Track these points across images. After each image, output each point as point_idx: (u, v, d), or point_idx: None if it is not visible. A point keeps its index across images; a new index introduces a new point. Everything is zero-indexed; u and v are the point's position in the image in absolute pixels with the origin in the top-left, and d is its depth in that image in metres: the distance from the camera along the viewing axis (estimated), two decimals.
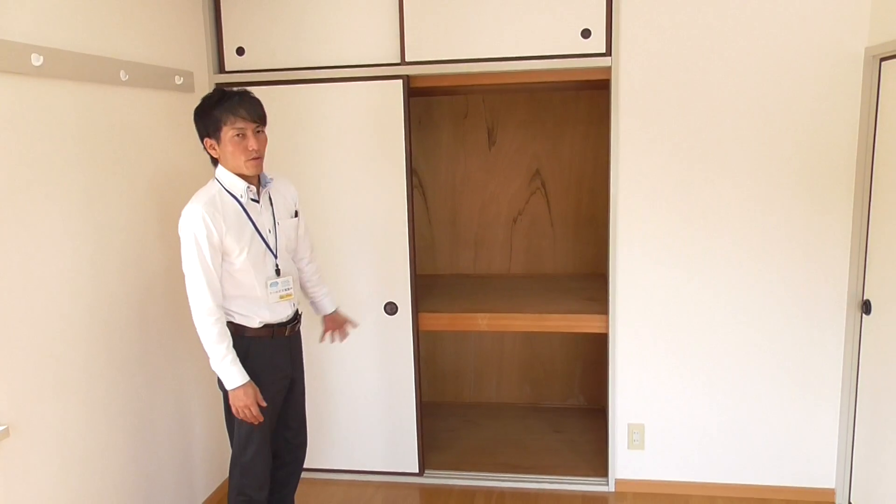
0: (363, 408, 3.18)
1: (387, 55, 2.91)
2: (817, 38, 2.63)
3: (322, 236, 3.04)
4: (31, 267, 2.02)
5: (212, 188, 2.19)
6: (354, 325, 2.76)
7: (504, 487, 3.16)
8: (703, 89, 2.73)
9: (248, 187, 2.21)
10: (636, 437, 3.02)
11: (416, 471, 3.21)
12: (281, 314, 2.31)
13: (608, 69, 2.79)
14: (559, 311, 3.07)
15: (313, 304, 2.67)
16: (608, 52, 2.77)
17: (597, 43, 2.78)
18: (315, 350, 3.11)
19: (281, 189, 2.39)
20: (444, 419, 3.86)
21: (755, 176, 2.75)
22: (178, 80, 2.74)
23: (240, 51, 3.00)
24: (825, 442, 2.88)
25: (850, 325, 2.76)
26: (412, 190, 3.01)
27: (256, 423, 2.18)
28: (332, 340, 2.71)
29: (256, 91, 2.94)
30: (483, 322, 3.07)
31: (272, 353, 2.30)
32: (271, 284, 2.27)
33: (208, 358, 2.14)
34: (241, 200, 2.21)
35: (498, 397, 4.08)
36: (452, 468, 3.30)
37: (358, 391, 3.17)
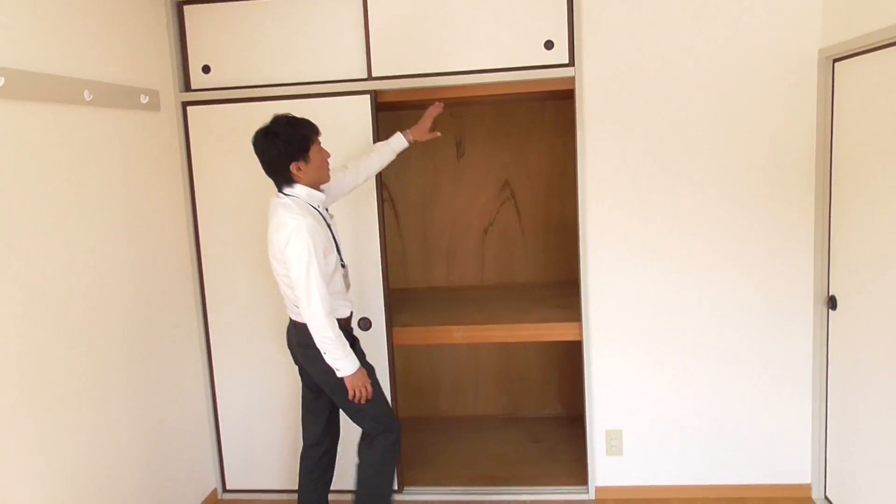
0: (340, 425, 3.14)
1: (354, 71, 2.92)
2: (772, 42, 2.71)
3: None
4: None
5: (296, 204, 2.38)
6: (434, 113, 2.85)
7: (484, 500, 3.14)
8: (665, 96, 2.78)
9: (324, 198, 2.50)
10: (614, 443, 3.03)
11: (395, 488, 3.18)
12: (347, 309, 2.60)
13: (572, 79, 2.83)
14: (533, 320, 3.08)
15: (394, 153, 2.81)
16: (571, 63, 2.82)
17: (560, 54, 2.82)
18: (289, 369, 3.08)
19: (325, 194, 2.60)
20: (421, 434, 3.84)
21: (719, 178, 2.81)
22: (144, 99, 2.71)
23: (206, 69, 2.99)
24: (799, 438, 2.92)
25: (817, 321, 2.81)
26: (383, 204, 3.01)
27: (367, 399, 2.48)
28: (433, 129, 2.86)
29: (223, 108, 2.97)
30: (457, 334, 3.07)
31: (352, 342, 2.58)
32: (343, 276, 2.56)
33: (325, 353, 2.38)
34: (320, 209, 2.47)
35: (475, 410, 4.07)
36: (432, 484, 3.27)
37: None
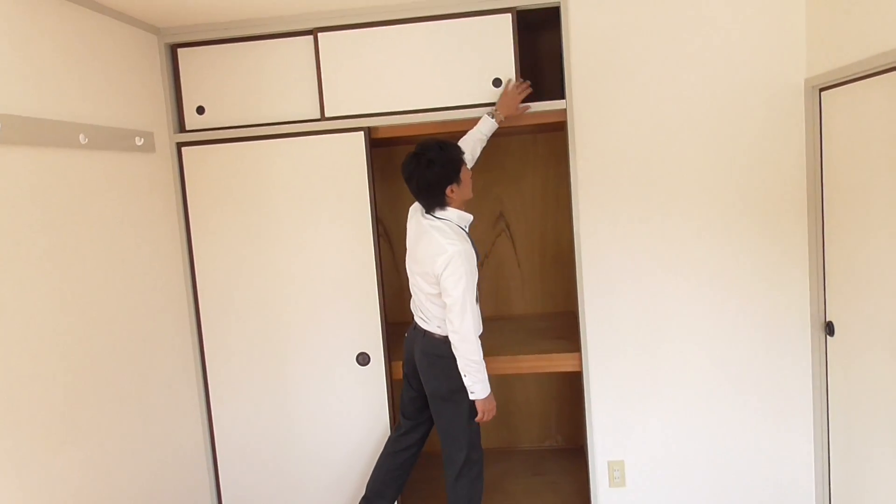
0: (338, 461, 3.11)
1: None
2: (759, 72, 2.75)
3: (290, 289, 3.03)
4: None
5: (450, 228, 2.51)
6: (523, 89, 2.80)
7: None
8: (655, 126, 2.81)
9: (471, 218, 2.62)
10: (617, 475, 3.00)
11: None
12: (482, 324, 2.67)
13: (563, 111, 2.86)
14: (532, 351, 3.07)
15: (485, 137, 2.80)
16: (563, 96, 2.85)
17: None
18: (287, 404, 3.06)
19: None
20: (422, 469, 3.80)
21: (712, 208, 2.83)
22: (139, 141, 2.73)
23: (200, 109, 3.02)
24: (802, 466, 2.90)
25: (815, 348, 2.81)
26: (379, 238, 3.02)
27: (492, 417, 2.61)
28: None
29: (218, 148, 3.00)
30: None
31: None
32: (478, 299, 2.63)
33: (466, 375, 2.52)
34: (467, 230, 2.58)
35: None
36: None
37: (332, 444, 3.11)
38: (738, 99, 2.77)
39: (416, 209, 2.68)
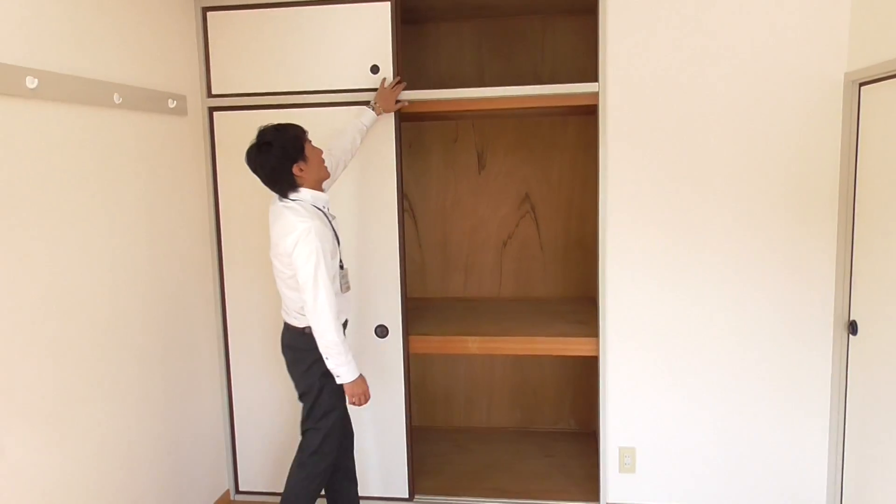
0: (354, 431, 3.15)
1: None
2: (798, 64, 2.69)
3: None
4: (20, 288, 2.02)
5: (303, 207, 2.41)
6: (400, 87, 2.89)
7: None
8: (688, 114, 2.78)
9: (328, 199, 2.54)
10: (627, 461, 3.01)
11: (406, 496, 3.19)
12: (344, 314, 2.59)
13: (595, 94, 2.84)
14: (549, 334, 3.07)
15: (366, 129, 2.83)
16: (595, 79, 2.83)
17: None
18: None
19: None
20: (434, 444, 3.84)
21: (741, 198, 2.80)
22: (172, 104, 2.76)
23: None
24: (815, 462, 2.89)
25: (837, 346, 2.78)
26: (403, 214, 3.03)
27: (366, 400, 2.51)
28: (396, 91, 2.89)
29: (247, 115, 3.02)
30: (473, 345, 3.08)
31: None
32: (342, 277, 2.56)
33: (328, 358, 2.40)
34: (325, 210, 2.50)
35: (488, 422, 4.07)
36: (443, 493, 3.27)
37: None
38: (774, 90, 2.72)
39: (274, 199, 2.54)
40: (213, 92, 3.05)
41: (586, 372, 3.88)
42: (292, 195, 2.45)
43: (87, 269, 2.31)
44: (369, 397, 2.52)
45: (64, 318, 2.20)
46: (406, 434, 3.13)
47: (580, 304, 3.65)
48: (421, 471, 3.46)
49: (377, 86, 2.92)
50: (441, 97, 2.93)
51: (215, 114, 3.05)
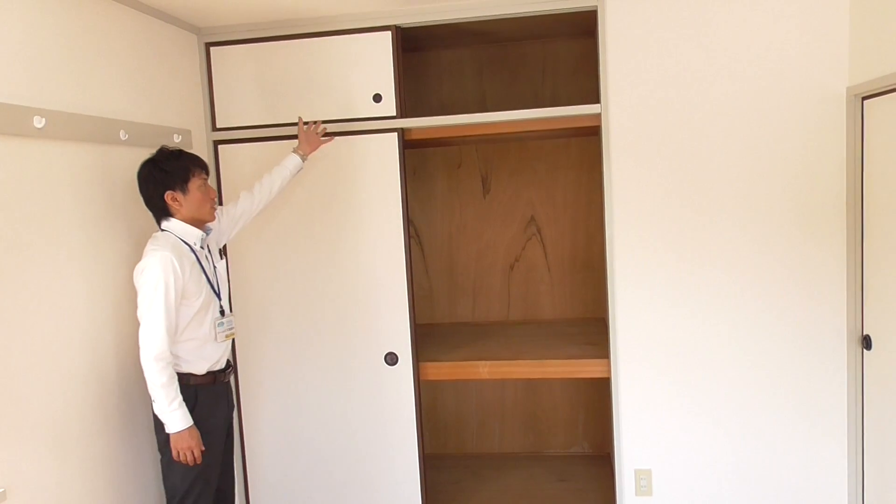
0: (365, 461, 3.13)
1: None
2: (800, 80, 2.70)
3: (321, 288, 3.05)
4: (30, 325, 2.02)
5: (168, 238, 2.28)
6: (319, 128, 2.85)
7: None
8: (692, 132, 2.78)
9: (203, 235, 2.38)
10: (643, 483, 2.97)
11: None
12: (223, 358, 2.44)
13: (598, 116, 2.85)
14: (560, 356, 3.05)
15: (288, 174, 2.73)
16: (597, 100, 2.84)
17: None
18: (316, 404, 3.08)
19: (213, 234, 2.52)
20: (447, 471, 3.80)
21: (749, 214, 2.79)
22: (177, 139, 2.78)
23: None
24: (835, 480, 2.84)
25: (851, 362, 2.75)
26: (409, 240, 3.03)
27: (193, 464, 2.24)
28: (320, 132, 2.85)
29: (252, 146, 3.03)
30: (484, 370, 3.06)
31: (216, 399, 2.42)
32: (218, 324, 2.40)
33: (153, 401, 2.20)
34: (195, 247, 2.35)
35: (501, 447, 4.03)
36: None
37: (359, 444, 3.12)
38: (778, 107, 2.72)
39: None
40: (218, 125, 3.07)
41: (598, 394, 3.84)
42: (164, 223, 2.33)
43: (94, 305, 2.31)
44: (199, 457, 2.24)
45: (73, 350, 2.20)
46: (419, 462, 3.10)
47: (589, 326, 3.63)
48: (435, 500, 3.42)
49: (381, 114, 2.95)
50: (444, 123, 2.94)
51: (220, 147, 3.07)
